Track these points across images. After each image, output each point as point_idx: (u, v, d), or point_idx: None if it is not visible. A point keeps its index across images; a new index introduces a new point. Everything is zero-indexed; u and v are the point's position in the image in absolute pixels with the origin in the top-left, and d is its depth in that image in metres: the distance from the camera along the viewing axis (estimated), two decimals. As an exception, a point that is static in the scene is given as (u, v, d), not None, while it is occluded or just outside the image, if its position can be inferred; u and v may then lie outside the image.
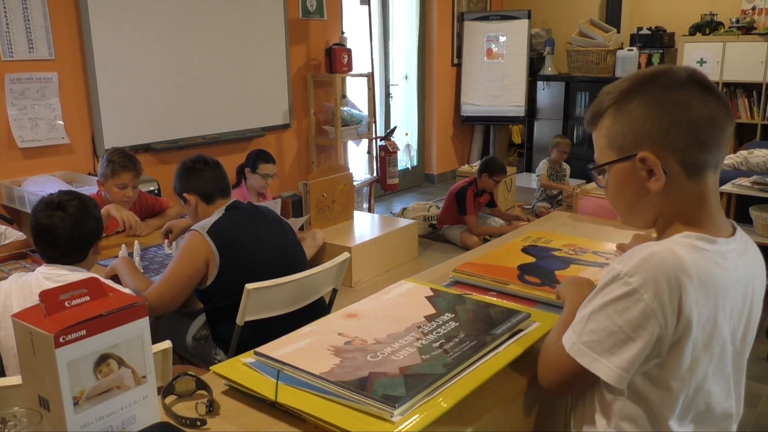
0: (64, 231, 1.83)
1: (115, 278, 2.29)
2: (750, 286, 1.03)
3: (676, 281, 0.91)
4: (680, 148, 0.97)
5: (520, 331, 1.25)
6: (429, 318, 1.27)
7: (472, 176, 5.11)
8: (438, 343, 1.16)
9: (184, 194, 2.30)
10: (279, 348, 1.17)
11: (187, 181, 2.29)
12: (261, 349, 1.17)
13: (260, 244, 2.22)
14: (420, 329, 1.22)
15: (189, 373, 1.15)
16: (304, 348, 1.17)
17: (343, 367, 1.08)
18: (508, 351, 1.18)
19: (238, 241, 2.18)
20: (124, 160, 2.83)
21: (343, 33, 5.60)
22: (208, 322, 2.31)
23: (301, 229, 4.11)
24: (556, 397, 1.15)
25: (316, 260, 4.00)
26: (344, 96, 5.74)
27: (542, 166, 5.60)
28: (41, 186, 3.45)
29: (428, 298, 1.38)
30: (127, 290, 1.91)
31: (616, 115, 1.02)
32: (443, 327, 1.23)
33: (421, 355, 1.12)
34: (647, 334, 0.92)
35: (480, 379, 1.09)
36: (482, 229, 4.97)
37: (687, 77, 0.98)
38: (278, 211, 3.76)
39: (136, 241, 2.63)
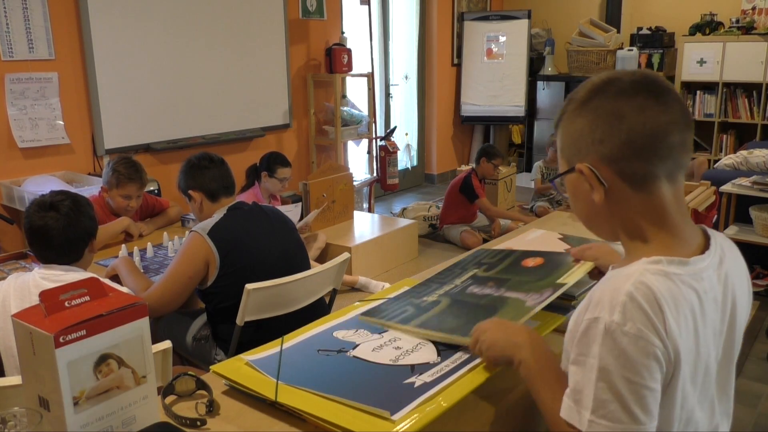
0: (58, 231, 1.82)
1: (115, 278, 2.29)
2: (730, 297, 0.99)
3: (662, 316, 0.87)
4: (614, 159, 0.94)
5: None
6: (568, 250, 1.61)
7: (468, 169, 5.11)
8: None
9: (189, 191, 2.30)
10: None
11: (192, 178, 2.30)
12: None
13: (261, 244, 2.22)
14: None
15: (189, 373, 1.15)
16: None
17: None
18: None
19: (239, 242, 2.17)
20: (130, 172, 2.82)
21: (343, 33, 5.60)
22: (209, 322, 2.31)
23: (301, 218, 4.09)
24: None
25: (319, 262, 3.99)
26: (344, 96, 5.74)
27: (536, 169, 5.59)
28: (41, 186, 3.45)
29: (560, 239, 1.74)
30: (126, 290, 1.91)
31: (565, 125, 1.01)
32: None
33: None
34: (659, 374, 0.88)
35: (480, 379, 1.09)
36: (496, 211, 4.96)
37: (630, 84, 0.94)
38: (297, 215, 3.78)
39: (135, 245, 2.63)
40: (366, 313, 1.35)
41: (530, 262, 1.46)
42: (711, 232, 1.02)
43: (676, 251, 0.94)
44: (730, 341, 1.00)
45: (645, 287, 0.87)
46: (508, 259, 1.51)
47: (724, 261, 0.99)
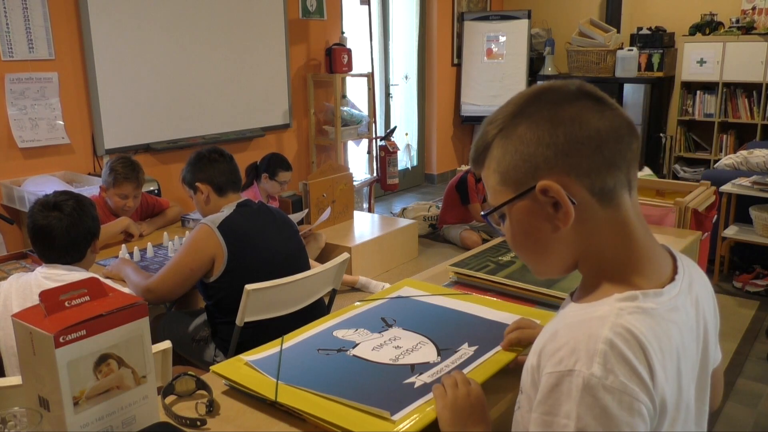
0: (61, 231, 1.82)
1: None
2: (702, 322, 0.89)
3: (647, 363, 0.75)
4: (585, 170, 0.81)
5: None
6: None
7: (467, 168, 5.11)
8: None
9: (197, 184, 2.29)
10: None
11: (201, 170, 2.29)
12: None
13: (268, 243, 2.22)
14: None
15: (189, 373, 1.15)
16: None
17: None
18: (507, 351, 1.19)
19: (248, 239, 2.18)
20: (126, 171, 2.82)
21: (343, 33, 5.60)
22: (209, 321, 2.31)
23: (301, 222, 4.11)
24: None
25: (319, 262, 3.99)
26: (344, 96, 5.74)
27: None
28: (41, 186, 3.45)
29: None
30: (126, 290, 1.91)
31: (504, 144, 0.84)
32: None
33: None
34: (644, 430, 0.76)
35: (479, 380, 1.09)
36: None
37: (576, 90, 0.83)
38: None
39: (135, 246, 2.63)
40: (456, 264, 1.64)
41: None
42: (674, 251, 0.92)
43: (648, 278, 0.84)
44: (704, 368, 0.91)
45: (625, 331, 0.76)
46: None
47: (693, 284, 0.90)
